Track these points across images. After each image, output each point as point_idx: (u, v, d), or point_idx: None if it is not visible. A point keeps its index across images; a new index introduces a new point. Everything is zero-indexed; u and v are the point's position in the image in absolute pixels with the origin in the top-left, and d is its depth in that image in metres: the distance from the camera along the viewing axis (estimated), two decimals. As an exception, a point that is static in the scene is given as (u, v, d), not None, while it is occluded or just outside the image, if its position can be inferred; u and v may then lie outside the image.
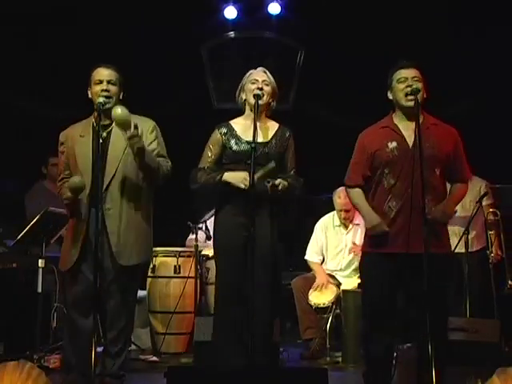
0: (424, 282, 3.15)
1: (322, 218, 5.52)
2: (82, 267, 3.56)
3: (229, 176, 3.67)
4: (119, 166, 3.59)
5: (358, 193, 3.63)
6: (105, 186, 3.54)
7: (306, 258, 5.45)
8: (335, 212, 5.44)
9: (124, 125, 3.46)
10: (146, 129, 3.68)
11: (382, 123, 3.63)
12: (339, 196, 5.30)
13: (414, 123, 3.42)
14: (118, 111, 3.44)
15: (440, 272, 3.39)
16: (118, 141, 3.61)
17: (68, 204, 3.65)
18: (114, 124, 3.56)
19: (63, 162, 3.74)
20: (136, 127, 3.45)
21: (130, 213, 3.61)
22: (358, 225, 5.31)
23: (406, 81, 3.48)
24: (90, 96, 3.71)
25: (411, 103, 3.43)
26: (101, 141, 3.57)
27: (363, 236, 3.74)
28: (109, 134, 3.62)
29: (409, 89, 3.44)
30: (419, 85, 3.47)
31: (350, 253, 5.32)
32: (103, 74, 3.65)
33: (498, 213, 5.23)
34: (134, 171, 3.62)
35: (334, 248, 5.40)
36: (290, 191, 3.70)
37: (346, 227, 5.39)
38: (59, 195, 3.75)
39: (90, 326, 3.40)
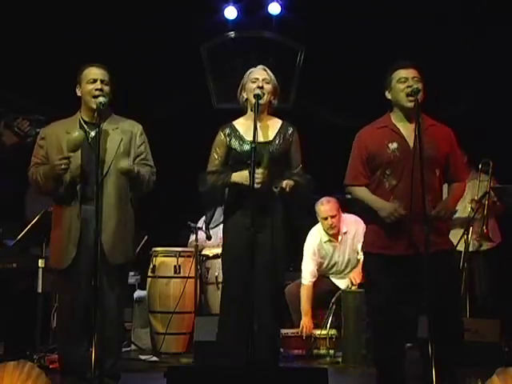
0: (424, 282, 3.13)
1: (309, 242, 5.20)
2: (78, 267, 3.54)
3: (236, 176, 3.66)
4: (111, 165, 3.59)
5: (363, 189, 3.53)
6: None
7: (302, 280, 5.16)
8: (319, 228, 5.20)
9: (128, 174, 3.60)
10: (135, 132, 3.71)
11: (379, 123, 3.59)
12: (322, 203, 5.10)
13: (413, 124, 3.39)
14: (124, 165, 3.55)
15: (447, 268, 3.41)
16: (108, 141, 3.61)
17: (58, 177, 3.53)
18: (102, 123, 3.54)
19: (40, 154, 3.68)
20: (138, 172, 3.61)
21: (120, 212, 3.61)
22: (345, 233, 5.13)
23: (406, 81, 3.43)
24: (79, 94, 3.71)
25: (412, 104, 3.39)
26: (89, 140, 3.60)
27: (363, 237, 3.71)
28: (97, 133, 3.54)
29: (409, 89, 3.40)
30: (419, 85, 3.43)
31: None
32: (97, 73, 3.66)
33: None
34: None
35: (330, 264, 5.24)
36: (298, 189, 3.68)
37: (336, 239, 5.15)
38: (36, 178, 3.61)
39: (83, 328, 3.41)
